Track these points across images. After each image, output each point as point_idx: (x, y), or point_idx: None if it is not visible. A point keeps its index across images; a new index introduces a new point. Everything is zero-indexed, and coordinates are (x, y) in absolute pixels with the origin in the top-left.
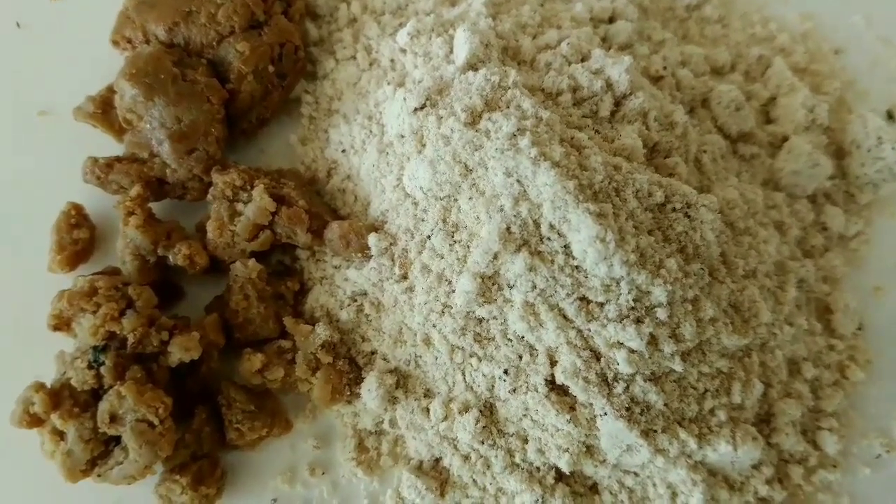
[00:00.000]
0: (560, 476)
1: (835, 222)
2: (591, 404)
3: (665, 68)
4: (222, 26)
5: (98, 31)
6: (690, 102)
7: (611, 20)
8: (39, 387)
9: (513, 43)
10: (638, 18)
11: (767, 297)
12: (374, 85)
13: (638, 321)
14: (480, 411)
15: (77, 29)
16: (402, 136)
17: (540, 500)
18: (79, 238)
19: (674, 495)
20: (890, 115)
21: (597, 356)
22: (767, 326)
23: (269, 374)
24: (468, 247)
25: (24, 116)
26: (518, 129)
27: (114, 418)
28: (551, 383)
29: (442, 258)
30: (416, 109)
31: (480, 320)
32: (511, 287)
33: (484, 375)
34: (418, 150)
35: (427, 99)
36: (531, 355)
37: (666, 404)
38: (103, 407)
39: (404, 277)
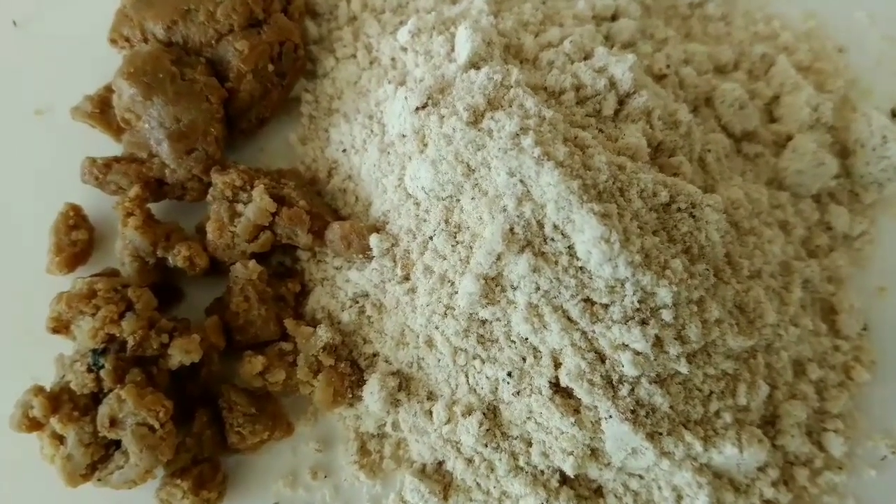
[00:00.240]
0: (564, 479)
1: (839, 222)
2: (595, 407)
3: (668, 66)
4: (221, 24)
5: (95, 29)
6: (694, 101)
7: (613, 18)
8: (38, 390)
9: (515, 41)
10: (640, 16)
11: (773, 297)
12: (375, 84)
13: (643, 323)
14: (484, 414)
15: (74, 27)
16: (404, 136)
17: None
18: (77, 239)
19: (679, 498)
20: (894, 114)
21: (602, 358)
22: (773, 327)
23: (270, 377)
24: (471, 248)
25: (21, 116)
26: (521, 129)
27: (114, 422)
28: (555, 386)
29: (444, 259)
30: (417, 108)
31: (483, 322)
32: (514, 288)
33: (487, 378)
34: (420, 150)
35: (429, 98)
36: (535, 357)
37: (671, 406)
38: (103, 411)
39: (406, 279)
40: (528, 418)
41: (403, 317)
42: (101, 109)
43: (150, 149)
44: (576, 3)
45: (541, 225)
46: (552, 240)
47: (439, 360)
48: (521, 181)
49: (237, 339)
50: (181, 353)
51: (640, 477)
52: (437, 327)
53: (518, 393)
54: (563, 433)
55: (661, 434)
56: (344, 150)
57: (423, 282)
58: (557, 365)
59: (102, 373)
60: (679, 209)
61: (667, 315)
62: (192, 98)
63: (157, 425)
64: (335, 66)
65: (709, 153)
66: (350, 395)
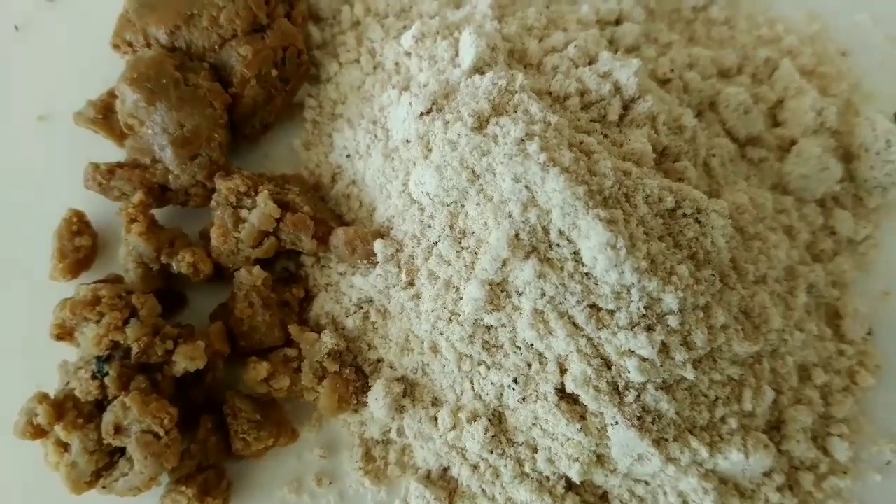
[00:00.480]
0: (570, 486)
1: (844, 226)
2: (601, 413)
3: (672, 71)
4: (224, 30)
5: (98, 34)
6: (698, 105)
7: (617, 22)
8: (43, 397)
9: (519, 46)
10: (644, 20)
11: (778, 302)
12: (379, 89)
13: (649, 329)
14: (489, 420)
15: (77, 32)
16: (408, 141)
17: None
18: (81, 245)
19: (685, 503)
20: None
21: (608, 364)
22: (778, 332)
23: (274, 383)
24: (476, 253)
25: (24, 121)
26: (526, 134)
27: (118, 429)
28: (561, 392)
29: (449, 265)
30: (422, 114)
31: (489, 328)
32: (520, 294)
33: (492, 384)
34: (424, 156)
35: (433, 103)
36: (541, 363)
37: (677, 413)
38: (108, 418)
39: (411, 284)
40: (534, 424)
41: (408, 323)
42: (104, 115)
43: (153, 154)
44: (580, 8)
45: (546, 231)
46: (558, 245)
47: (444, 366)
48: (527, 187)
49: (241, 345)
50: (186, 360)
51: (646, 483)
52: (441, 333)
53: (523, 399)
54: (568, 439)
55: (666, 440)
56: (348, 156)
57: (427, 287)
58: (563, 371)
59: (107, 380)
60: (685, 214)
61: (673, 321)
62: (196, 103)
63: (161, 432)
64: (339, 71)
65: (713, 158)
66: (355, 402)
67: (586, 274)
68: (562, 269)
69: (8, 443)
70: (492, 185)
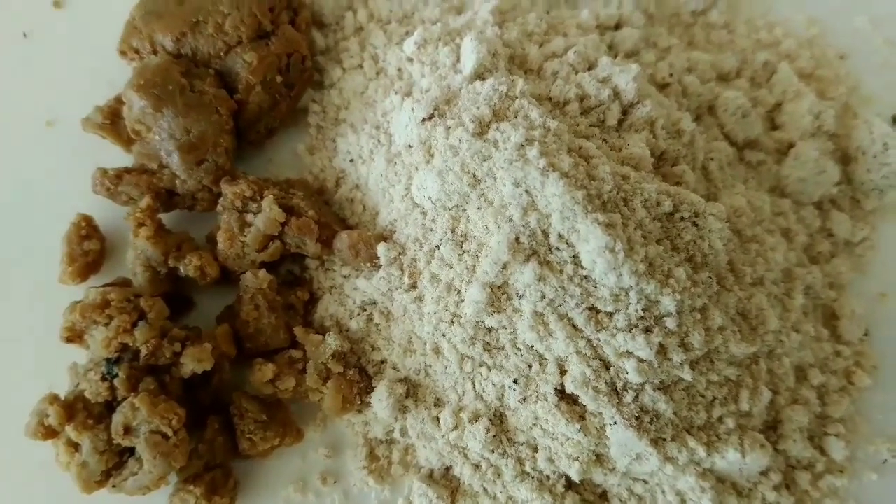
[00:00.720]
0: (570, 484)
1: (841, 228)
2: (600, 413)
3: (671, 75)
4: (230, 37)
5: (105, 40)
6: (697, 109)
7: (617, 27)
8: (53, 399)
9: (519, 51)
10: (644, 25)
11: (775, 304)
12: (382, 94)
13: (647, 331)
14: (490, 420)
15: (84, 39)
16: (411, 146)
17: None
18: (89, 249)
19: (683, 502)
20: (895, 120)
21: (606, 366)
22: (775, 334)
23: (280, 384)
24: (477, 257)
25: (32, 127)
26: (526, 140)
27: (128, 430)
28: (561, 393)
29: (451, 268)
30: (424, 119)
31: (490, 330)
32: (520, 297)
33: (493, 385)
34: (426, 160)
35: (435, 109)
36: (541, 365)
37: (675, 413)
38: (117, 419)
39: (413, 287)
40: (534, 424)
41: (411, 324)
42: (112, 120)
43: (160, 160)
44: (580, 13)
45: (546, 234)
46: (557, 249)
47: (446, 368)
48: (527, 191)
49: (248, 347)
50: (193, 362)
51: (645, 482)
52: (443, 335)
53: (524, 399)
54: (568, 439)
55: (664, 440)
56: (351, 160)
57: (429, 290)
58: (563, 372)
59: (116, 381)
60: (682, 218)
61: (670, 323)
62: (202, 110)
63: (170, 433)
64: (342, 76)
65: (712, 161)
66: (359, 402)
67: (585, 277)
68: (561, 272)
69: (20, 443)
70: (492, 189)
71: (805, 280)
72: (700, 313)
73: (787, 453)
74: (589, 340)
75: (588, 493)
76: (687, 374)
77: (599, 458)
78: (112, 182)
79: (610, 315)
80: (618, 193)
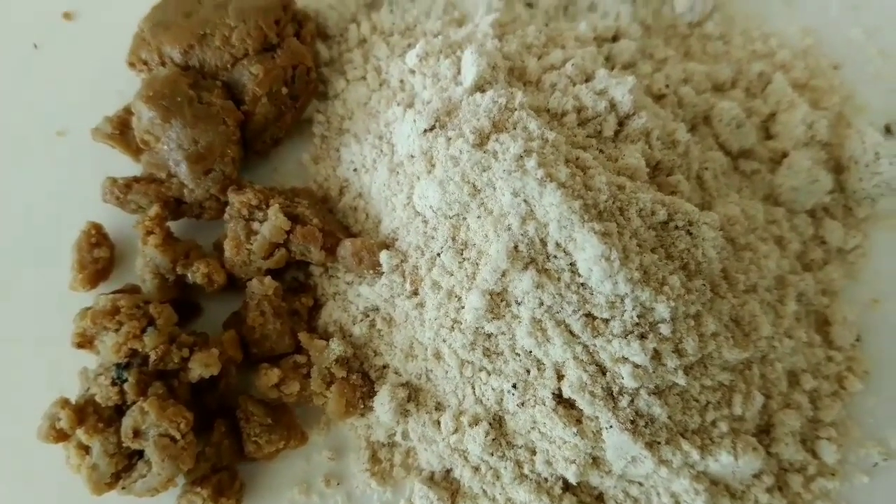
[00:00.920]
0: (567, 486)
1: (833, 236)
2: (597, 417)
3: (667, 86)
4: (236, 49)
5: (114, 52)
6: (692, 120)
7: (614, 39)
8: (65, 403)
9: (519, 63)
10: (641, 36)
11: (768, 310)
12: (384, 105)
13: (642, 337)
14: (490, 424)
15: (93, 51)
16: (412, 157)
17: None
18: (99, 257)
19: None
20: (888, 130)
21: (602, 371)
22: (767, 340)
23: (285, 389)
24: (477, 264)
25: (43, 137)
26: (525, 151)
27: (137, 433)
28: (558, 397)
29: (451, 275)
30: (425, 130)
31: (489, 335)
32: (519, 303)
33: (493, 389)
34: (428, 171)
35: (436, 120)
36: (539, 370)
37: (669, 417)
38: (127, 422)
39: (415, 293)
40: (533, 428)
41: (412, 330)
42: (121, 130)
43: (168, 169)
44: (578, 25)
45: (544, 243)
46: (555, 257)
47: (447, 372)
48: (525, 201)
49: (253, 352)
50: (201, 367)
51: (640, 484)
52: (444, 340)
53: (522, 404)
54: (565, 442)
55: (659, 443)
56: (355, 170)
57: (431, 297)
58: (560, 377)
59: (126, 386)
60: (677, 227)
61: (665, 329)
62: (210, 121)
63: (178, 436)
64: (346, 87)
65: (706, 171)
66: (361, 406)
67: (582, 284)
68: (559, 279)
69: (31, 446)
70: (492, 199)
71: (798, 287)
72: (694, 320)
73: (780, 456)
74: (585, 346)
75: (585, 495)
76: (681, 379)
77: (596, 461)
78: (121, 191)
79: (606, 321)
80: (614, 203)
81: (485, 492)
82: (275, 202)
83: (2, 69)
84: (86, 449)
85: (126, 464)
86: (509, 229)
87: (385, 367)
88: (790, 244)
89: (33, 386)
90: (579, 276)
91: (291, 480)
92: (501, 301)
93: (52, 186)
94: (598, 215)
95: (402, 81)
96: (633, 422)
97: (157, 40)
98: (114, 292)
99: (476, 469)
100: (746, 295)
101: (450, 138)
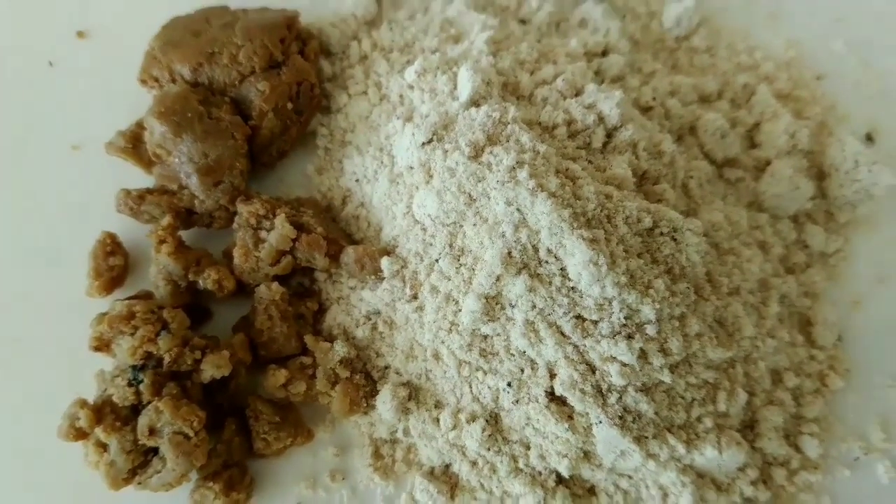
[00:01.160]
0: (560, 479)
1: (815, 240)
2: (587, 413)
3: (654, 99)
4: (244, 66)
5: (126, 69)
6: (679, 130)
7: (604, 53)
8: (83, 403)
9: (512, 79)
10: (630, 51)
11: (750, 312)
12: (385, 119)
13: (629, 337)
14: (486, 421)
15: (106, 68)
16: (412, 168)
17: (542, 502)
18: (114, 265)
19: (665, 496)
20: (869, 137)
21: (592, 369)
22: (750, 340)
23: (292, 388)
24: (473, 269)
25: (58, 150)
26: (517, 162)
27: (152, 431)
28: (551, 394)
29: (449, 280)
30: (423, 143)
31: (485, 337)
32: (513, 306)
33: (489, 388)
34: (426, 181)
35: (434, 134)
36: (532, 369)
37: (656, 413)
38: (143, 421)
39: (415, 298)
40: (527, 424)
41: (412, 332)
42: (133, 144)
43: (179, 181)
44: (569, 42)
45: (536, 249)
46: (546, 262)
47: (445, 372)
48: (518, 210)
49: (262, 354)
50: (212, 368)
51: (630, 477)
52: (443, 342)
53: (517, 401)
54: (558, 437)
55: (647, 438)
56: (357, 180)
57: (429, 300)
58: (552, 376)
59: (141, 387)
60: (662, 233)
61: (650, 330)
62: (219, 135)
63: (191, 433)
64: (348, 102)
65: (691, 179)
66: (364, 405)
67: (572, 288)
68: (550, 283)
69: (52, 445)
70: (487, 208)
71: (780, 289)
72: (678, 321)
73: (764, 451)
74: (576, 346)
75: (577, 488)
76: (667, 377)
77: (587, 455)
78: (135, 202)
79: (595, 323)
80: (601, 211)
81: (482, 485)
82: (281, 212)
83: (19, 86)
84: (104, 446)
85: (142, 460)
86: (503, 236)
87: (387, 367)
88: (773, 248)
89: (51, 388)
90: (569, 280)
91: (298, 475)
92: (496, 304)
93: (69, 198)
94: (587, 223)
95: (401, 96)
96: (621, 417)
97: (167, 58)
98: (129, 298)
99: (474, 463)
100: (730, 297)
101: (447, 150)
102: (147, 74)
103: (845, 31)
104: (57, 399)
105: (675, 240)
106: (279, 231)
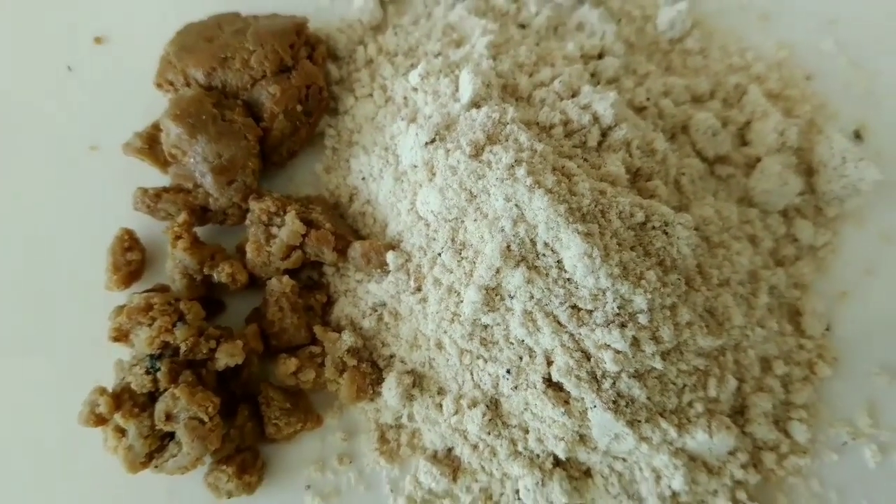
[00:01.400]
0: (557, 462)
1: (804, 234)
2: (582, 398)
3: (648, 99)
4: (255, 71)
5: (142, 73)
6: (671, 129)
7: (600, 56)
8: (103, 391)
9: (511, 81)
10: (625, 53)
11: (740, 302)
12: (390, 120)
13: (622, 326)
14: (487, 406)
15: (123, 72)
16: (415, 166)
17: (540, 483)
18: (132, 260)
19: (658, 478)
20: (857, 135)
21: (587, 356)
22: (740, 329)
23: (302, 376)
24: (474, 263)
25: (78, 151)
26: (516, 161)
27: (169, 417)
28: (548, 381)
29: (451, 273)
30: (426, 143)
31: (485, 326)
32: (512, 297)
33: (489, 375)
34: (429, 179)
35: (436, 134)
36: (530, 356)
37: (648, 398)
38: (160, 407)
39: (418, 290)
40: (525, 409)
41: (416, 323)
42: (150, 145)
43: (194, 180)
44: (566, 45)
45: (533, 243)
46: (543, 255)
47: (448, 360)
48: (516, 205)
49: (273, 343)
50: (226, 357)
51: (624, 460)
52: (445, 332)
53: (516, 387)
54: (555, 422)
55: (639, 422)
56: (363, 179)
57: (432, 292)
58: (549, 363)
59: (159, 375)
60: (653, 227)
61: (643, 319)
62: (232, 136)
63: (206, 419)
64: (354, 104)
65: (683, 176)
66: (371, 392)
67: (568, 279)
68: (547, 275)
69: (72, 430)
70: (487, 204)
71: (770, 281)
72: (669, 310)
73: (754, 435)
74: (572, 335)
75: (574, 470)
76: (658, 364)
77: (583, 439)
78: (152, 200)
79: (590, 312)
80: (596, 206)
81: (483, 467)
82: (291, 209)
83: (41, 90)
84: (122, 432)
85: (159, 445)
86: (502, 231)
87: (392, 356)
88: (763, 242)
89: (72, 376)
90: (565, 271)
91: (308, 459)
92: (496, 295)
93: (88, 196)
94: (582, 217)
95: (405, 98)
96: (615, 402)
97: (182, 63)
98: (146, 291)
99: (475, 447)
100: (720, 288)
101: (449, 150)
102: (162, 78)
103: (834, 33)
104: (78, 387)
105: (666, 233)
106: (289, 227)
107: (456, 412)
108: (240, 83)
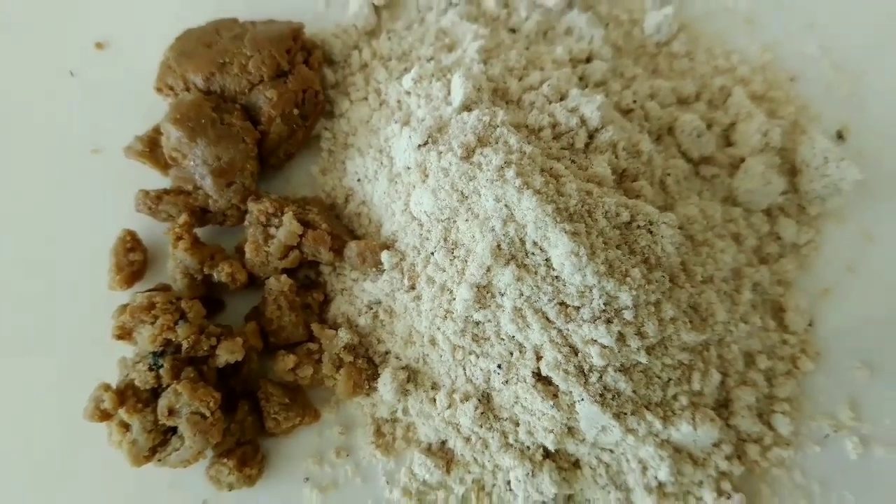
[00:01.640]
0: (547, 453)
1: (787, 232)
2: (570, 392)
3: (635, 101)
4: (253, 76)
5: (143, 78)
6: (657, 131)
7: (588, 60)
8: (107, 387)
9: (501, 85)
10: (612, 57)
11: (724, 299)
12: (384, 122)
13: (608, 321)
14: (479, 400)
15: (124, 76)
16: (409, 168)
17: (530, 474)
18: (134, 260)
19: (644, 469)
20: (840, 135)
21: (575, 351)
22: (723, 324)
23: (300, 372)
24: (465, 261)
25: (80, 155)
26: (505, 162)
27: (172, 411)
28: (537, 375)
29: (444, 271)
30: (419, 145)
31: (477, 323)
32: (502, 295)
33: (481, 370)
34: (422, 180)
35: (429, 136)
36: (520, 352)
37: (634, 391)
38: (162, 402)
39: (412, 288)
40: (516, 403)
41: (410, 320)
42: (150, 148)
43: (194, 182)
44: (555, 49)
45: (522, 242)
46: (532, 254)
47: (441, 356)
48: (506, 206)
49: (272, 341)
50: (227, 354)
51: (611, 451)
52: (438, 328)
53: (506, 382)
54: (544, 414)
55: (625, 414)
56: (358, 180)
57: (426, 290)
58: (539, 358)
59: (161, 371)
60: (638, 226)
61: (628, 315)
62: (231, 139)
63: (207, 413)
64: (350, 107)
65: (669, 176)
66: (367, 387)
67: (556, 277)
68: (536, 273)
69: (78, 425)
70: (477, 204)
71: (753, 278)
72: (654, 306)
73: (738, 428)
74: (560, 330)
75: (563, 461)
76: (643, 358)
77: (571, 431)
78: (153, 202)
79: (577, 309)
80: (582, 206)
81: (475, 459)
82: (289, 210)
83: (44, 94)
84: (126, 426)
85: (162, 439)
86: (493, 230)
87: (387, 352)
88: (746, 240)
89: (77, 374)
90: (553, 269)
91: (306, 453)
92: (487, 293)
93: (91, 199)
94: (569, 217)
95: (399, 101)
96: (601, 395)
97: (181, 68)
98: (148, 290)
99: (467, 440)
100: (704, 285)
101: (441, 152)
102: (163, 83)
103: (818, 36)
104: (83, 383)
105: (650, 232)
106: (287, 228)
107: (449, 406)
108: (238, 87)
